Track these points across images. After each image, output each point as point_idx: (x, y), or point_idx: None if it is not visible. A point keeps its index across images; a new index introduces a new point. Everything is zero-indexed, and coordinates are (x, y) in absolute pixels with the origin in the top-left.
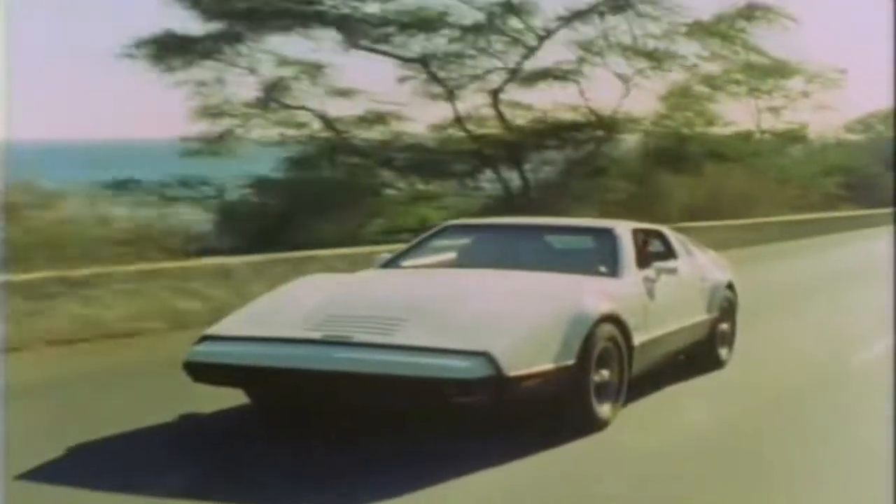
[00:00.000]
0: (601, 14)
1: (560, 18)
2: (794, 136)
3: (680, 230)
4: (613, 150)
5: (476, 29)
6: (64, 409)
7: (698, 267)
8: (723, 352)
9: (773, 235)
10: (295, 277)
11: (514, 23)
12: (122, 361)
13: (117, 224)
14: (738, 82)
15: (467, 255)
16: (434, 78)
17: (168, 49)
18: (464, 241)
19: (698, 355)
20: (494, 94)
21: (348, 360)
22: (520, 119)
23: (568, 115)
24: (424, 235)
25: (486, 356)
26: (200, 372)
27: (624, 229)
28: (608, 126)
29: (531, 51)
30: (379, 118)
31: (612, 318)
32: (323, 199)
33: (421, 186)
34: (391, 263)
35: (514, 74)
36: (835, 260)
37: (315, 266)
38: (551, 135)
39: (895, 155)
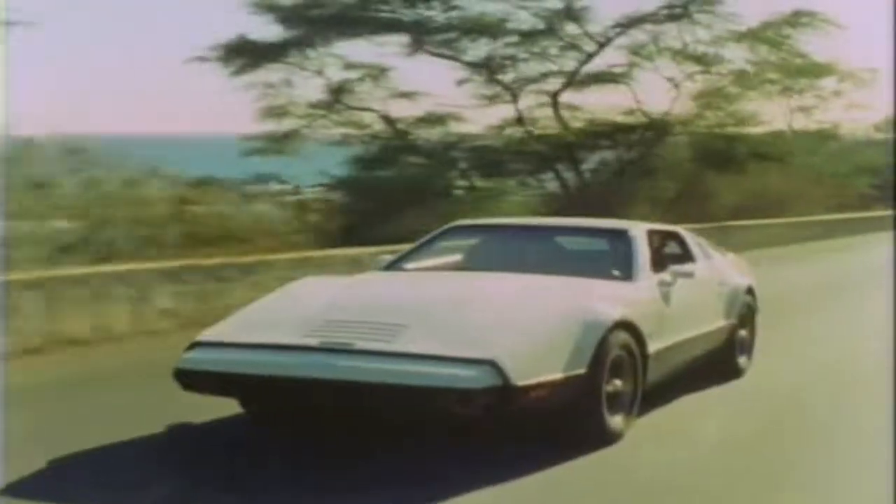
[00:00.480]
0: (659, 21)
1: (619, 25)
2: (826, 136)
3: (725, 228)
4: (663, 151)
5: (534, 34)
6: None
7: (717, 270)
8: (742, 360)
9: (815, 234)
10: None
11: (572, 28)
12: None
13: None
14: (771, 81)
15: (474, 258)
16: (496, 81)
17: (240, 53)
18: (470, 242)
19: (716, 364)
20: (554, 96)
21: (348, 369)
22: (572, 121)
23: (619, 117)
24: (429, 236)
25: (491, 364)
26: (191, 380)
27: (639, 230)
28: (659, 128)
29: (590, 56)
30: (439, 119)
31: (626, 325)
32: (398, 196)
33: (479, 184)
34: (394, 265)
35: (573, 77)
36: (876, 257)
37: None
38: (605, 136)
39: (895, 155)
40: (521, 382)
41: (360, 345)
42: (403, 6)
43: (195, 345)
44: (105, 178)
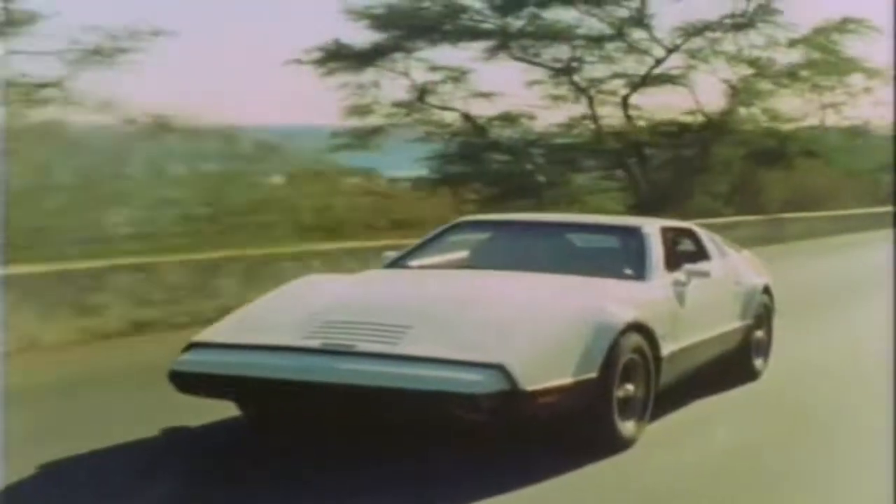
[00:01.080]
0: (724, 29)
1: (686, 33)
2: (855, 133)
3: (778, 220)
4: (719, 149)
5: (602, 39)
6: None
7: (732, 269)
8: (758, 362)
9: (853, 226)
10: None
11: (639, 34)
12: None
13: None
14: (804, 79)
15: (481, 255)
16: (572, 83)
17: (334, 56)
18: (478, 238)
19: (731, 366)
20: (625, 98)
21: (350, 372)
22: (636, 120)
23: (679, 117)
24: (434, 232)
25: (499, 369)
26: (187, 383)
27: (652, 228)
28: (715, 127)
29: (658, 62)
30: (514, 118)
31: (639, 327)
32: (512, 186)
33: (563, 179)
34: (397, 263)
35: (644, 80)
36: None
37: None
38: (670, 135)
39: (895, 155)
40: (529, 387)
41: (363, 347)
42: (485, 15)
43: (191, 346)
44: (298, 170)
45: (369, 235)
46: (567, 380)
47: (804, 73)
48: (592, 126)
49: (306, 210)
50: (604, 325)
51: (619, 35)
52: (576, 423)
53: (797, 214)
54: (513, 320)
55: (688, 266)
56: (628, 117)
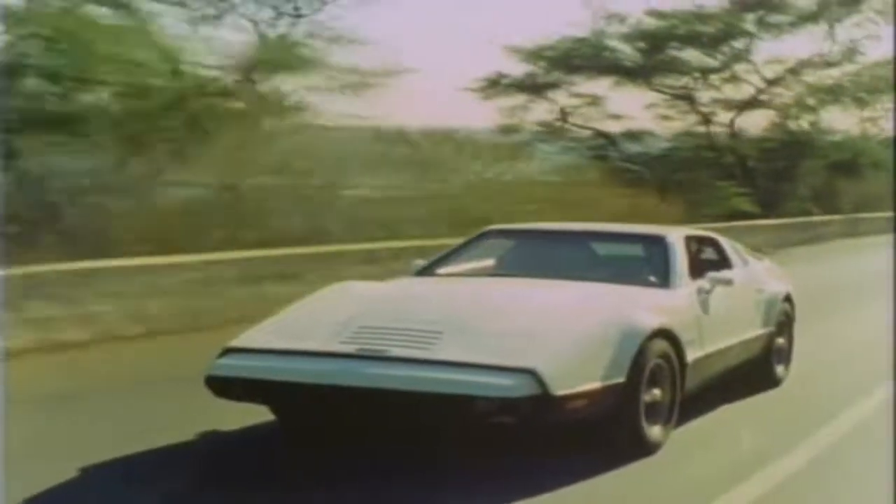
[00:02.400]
0: (820, 67)
1: (789, 70)
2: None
3: (855, 220)
4: (804, 161)
5: (711, 71)
6: None
7: (754, 277)
8: (779, 369)
9: None
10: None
11: (742, 67)
12: None
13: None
14: (848, 94)
15: (508, 263)
16: (692, 107)
17: (494, 84)
18: (504, 247)
19: (753, 373)
20: (731, 120)
21: (384, 377)
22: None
23: (770, 134)
24: (463, 241)
25: (531, 373)
26: (223, 387)
27: (676, 236)
28: (802, 143)
29: (760, 91)
30: (637, 134)
31: (665, 333)
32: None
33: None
34: (426, 271)
35: (746, 105)
36: None
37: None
38: (768, 150)
39: (895, 158)
40: (560, 392)
41: (396, 352)
42: (626, 55)
43: (227, 351)
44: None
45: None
46: (596, 384)
47: (858, 92)
48: (706, 142)
49: (583, 205)
50: (631, 331)
51: (726, 68)
52: (604, 427)
53: (866, 215)
54: (542, 326)
55: (711, 274)
56: (734, 135)
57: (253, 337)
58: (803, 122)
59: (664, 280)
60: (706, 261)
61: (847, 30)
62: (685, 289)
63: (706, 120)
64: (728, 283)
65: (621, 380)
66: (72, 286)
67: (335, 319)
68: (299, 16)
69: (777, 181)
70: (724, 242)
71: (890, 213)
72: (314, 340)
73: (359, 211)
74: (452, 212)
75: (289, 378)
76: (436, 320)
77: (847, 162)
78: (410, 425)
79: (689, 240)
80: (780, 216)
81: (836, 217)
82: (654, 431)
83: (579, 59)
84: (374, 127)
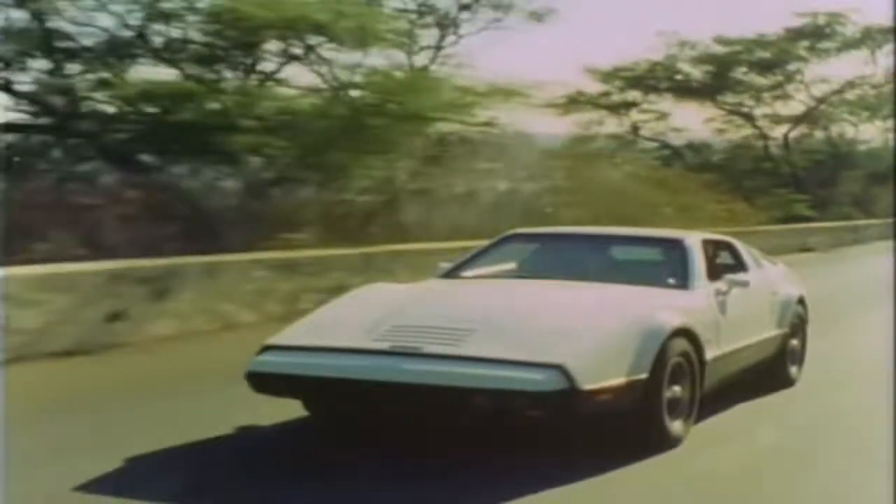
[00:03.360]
0: (864, 86)
1: (835, 91)
2: None
3: (890, 224)
4: (845, 170)
5: (764, 90)
6: None
7: (768, 280)
8: (793, 370)
9: None
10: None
11: (794, 87)
12: None
13: None
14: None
15: (532, 266)
16: (751, 122)
17: (574, 101)
18: (527, 250)
19: (768, 373)
20: (785, 134)
21: (418, 372)
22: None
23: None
24: (486, 245)
25: (560, 369)
26: (263, 383)
27: (694, 240)
28: (844, 154)
29: (809, 108)
30: (697, 146)
31: (685, 332)
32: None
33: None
34: (452, 273)
35: (799, 120)
36: None
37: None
38: (817, 161)
39: (895, 160)
40: (587, 386)
41: (429, 349)
42: (696, 79)
43: (266, 348)
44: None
45: None
46: (621, 380)
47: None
48: (762, 153)
49: (691, 209)
50: (653, 330)
51: (780, 87)
52: (628, 422)
53: None
54: (570, 325)
55: (728, 276)
56: (787, 147)
57: (290, 334)
58: (845, 136)
59: (683, 282)
60: (722, 264)
61: (886, 55)
62: (703, 290)
63: (763, 134)
64: (744, 285)
65: (644, 376)
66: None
67: (368, 318)
68: (439, 48)
69: (823, 188)
70: (740, 246)
71: None
72: (349, 338)
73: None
74: (608, 212)
75: (326, 374)
76: (466, 319)
77: (883, 171)
78: (443, 419)
79: (706, 243)
80: (828, 220)
81: (874, 221)
82: (676, 426)
83: (653, 80)
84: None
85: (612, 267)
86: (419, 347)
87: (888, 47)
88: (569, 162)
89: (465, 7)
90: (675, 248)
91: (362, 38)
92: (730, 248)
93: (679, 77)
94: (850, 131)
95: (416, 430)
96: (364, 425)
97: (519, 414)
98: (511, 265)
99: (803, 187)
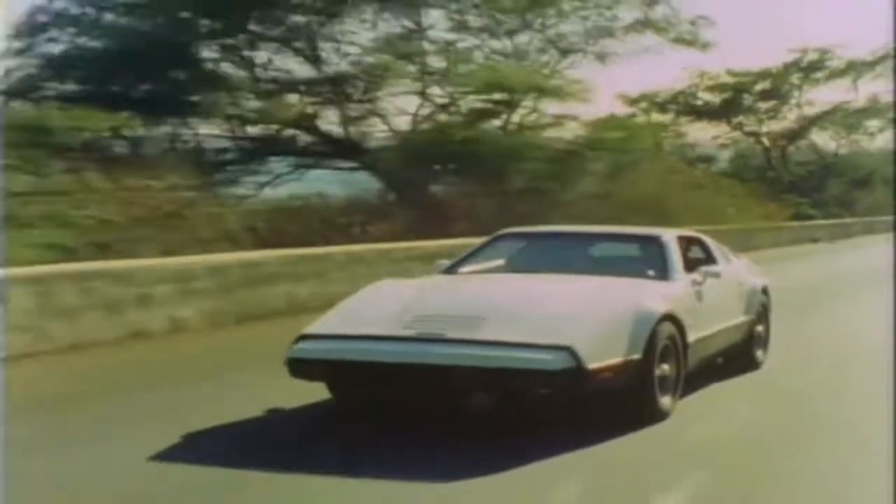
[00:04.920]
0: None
1: (825, 112)
2: None
3: (871, 222)
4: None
5: (768, 111)
6: None
7: (736, 272)
8: (759, 353)
9: None
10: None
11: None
12: None
13: None
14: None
15: (525, 261)
16: (757, 139)
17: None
18: (519, 248)
19: (736, 356)
20: (783, 147)
21: (444, 355)
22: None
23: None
24: (480, 243)
25: (568, 350)
26: (302, 368)
27: (670, 236)
28: (831, 164)
29: (802, 127)
30: (705, 158)
31: (670, 318)
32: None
33: None
34: (452, 269)
35: (795, 136)
36: None
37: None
38: (807, 169)
39: (895, 158)
40: (591, 365)
41: (450, 334)
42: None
43: (302, 337)
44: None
45: None
46: (619, 359)
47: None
48: (765, 164)
49: (738, 207)
50: (645, 316)
51: (779, 109)
52: (625, 398)
53: (880, 218)
54: (572, 311)
55: (703, 268)
56: (784, 158)
57: (322, 325)
58: (830, 149)
59: (663, 273)
60: (694, 258)
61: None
62: (682, 281)
63: (766, 148)
64: (717, 276)
65: (638, 356)
66: None
67: (391, 310)
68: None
69: (816, 193)
70: (709, 241)
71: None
72: (378, 327)
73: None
74: (692, 208)
75: (362, 358)
76: (479, 308)
77: (861, 178)
78: (464, 396)
79: (681, 239)
80: (823, 219)
81: (857, 219)
82: (665, 401)
83: (676, 105)
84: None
85: (599, 261)
86: (442, 333)
87: (867, 76)
88: (650, 172)
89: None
90: (654, 244)
91: (563, 97)
92: (700, 243)
93: (698, 102)
94: (832, 145)
95: (437, 411)
96: (387, 406)
97: (532, 391)
98: (498, 262)
99: (801, 192)
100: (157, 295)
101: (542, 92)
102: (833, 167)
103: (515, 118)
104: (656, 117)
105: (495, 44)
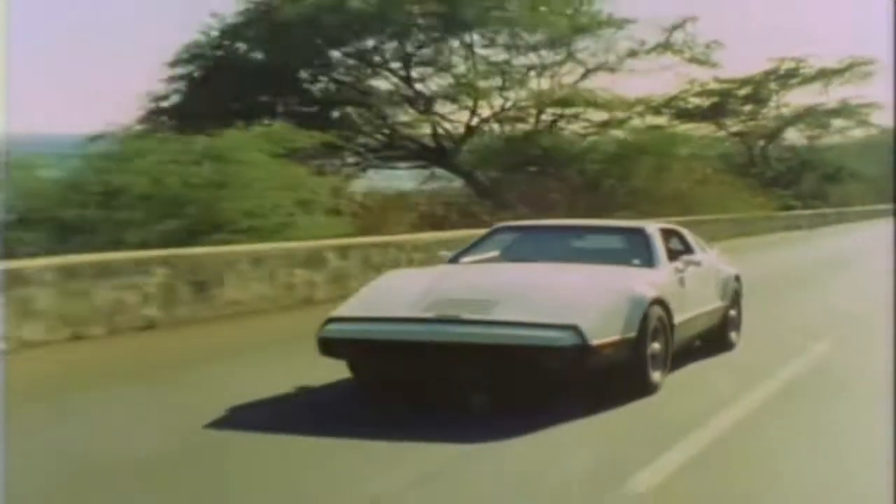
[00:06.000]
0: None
1: (798, 114)
2: None
3: (842, 213)
4: (806, 172)
5: (749, 114)
6: None
7: (711, 261)
8: (733, 335)
9: None
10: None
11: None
12: None
13: None
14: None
15: (523, 251)
16: (743, 139)
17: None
18: (515, 240)
19: (713, 338)
20: (763, 146)
21: (462, 334)
22: None
23: None
24: (480, 236)
25: (574, 329)
26: (332, 347)
27: (653, 228)
28: (805, 160)
29: (779, 127)
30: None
31: (659, 301)
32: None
33: None
34: (454, 259)
35: (774, 135)
36: None
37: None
38: (786, 165)
39: (895, 155)
40: (595, 342)
41: (467, 316)
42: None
43: (330, 320)
44: None
45: None
46: (617, 337)
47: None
48: (748, 160)
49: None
50: (638, 299)
51: (759, 112)
52: (619, 373)
53: (849, 209)
54: (573, 294)
55: (685, 257)
56: (765, 156)
57: (348, 309)
58: (804, 147)
59: (649, 262)
60: (674, 249)
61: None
62: (666, 269)
63: (749, 146)
64: (698, 264)
65: (634, 334)
66: None
67: (409, 295)
68: None
69: (794, 186)
70: (686, 233)
71: (862, 208)
72: (402, 310)
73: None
74: (707, 198)
75: (389, 337)
76: (491, 292)
77: (831, 173)
78: (481, 372)
79: (662, 231)
80: (800, 209)
81: (832, 210)
82: (656, 376)
83: (668, 108)
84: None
85: (589, 252)
86: (458, 315)
87: (837, 81)
88: (677, 171)
89: None
90: (639, 235)
91: (611, 109)
92: (678, 235)
93: (689, 106)
94: (805, 143)
95: (453, 388)
96: (404, 384)
97: (543, 366)
98: (506, 251)
99: (782, 186)
100: None
101: (595, 105)
102: (807, 163)
103: (575, 126)
104: (650, 120)
105: (521, 59)
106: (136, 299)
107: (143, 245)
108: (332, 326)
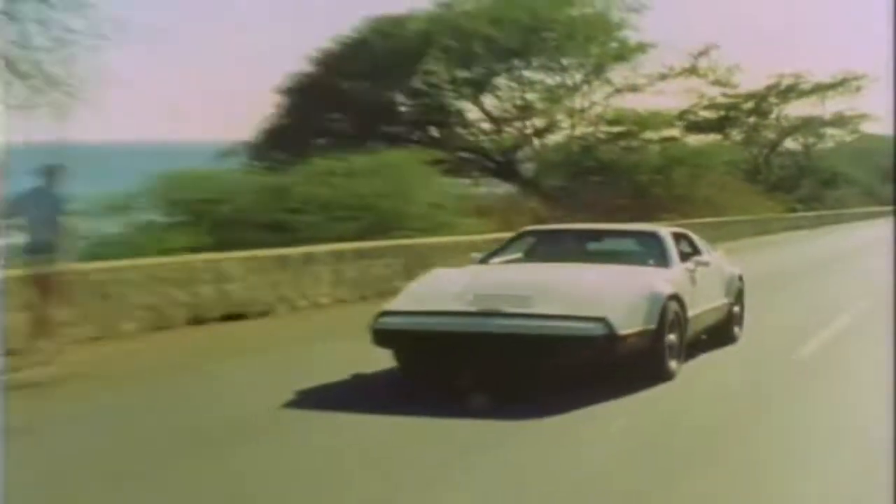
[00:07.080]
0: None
1: (797, 125)
2: None
3: (838, 214)
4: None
5: (754, 126)
6: None
7: (717, 261)
8: (736, 329)
9: None
10: None
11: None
12: None
13: None
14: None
15: (550, 252)
16: (746, 147)
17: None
18: (541, 242)
19: (718, 332)
20: (766, 154)
21: (504, 325)
22: None
23: None
24: (508, 239)
25: (603, 321)
26: (386, 338)
27: (666, 231)
28: (804, 166)
29: (779, 137)
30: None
31: (675, 297)
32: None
33: None
34: (484, 260)
35: (775, 144)
36: None
37: None
38: (786, 172)
39: (895, 156)
40: (621, 332)
41: (507, 309)
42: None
43: (384, 313)
44: None
45: None
46: (640, 328)
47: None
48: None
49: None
50: (657, 294)
51: (762, 123)
52: (641, 361)
53: (844, 211)
54: (600, 290)
55: (696, 257)
56: (768, 163)
57: (399, 303)
58: (803, 154)
59: (664, 262)
60: (683, 251)
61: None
62: (679, 268)
63: (754, 155)
64: (707, 265)
65: (654, 326)
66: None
67: (452, 291)
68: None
69: (794, 191)
70: (694, 237)
71: (856, 210)
72: (448, 304)
73: None
74: (726, 201)
75: (437, 328)
76: (527, 288)
77: (826, 179)
78: (521, 360)
79: (673, 234)
80: (803, 211)
81: (829, 212)
82: (672, 364)
83: (681, 121)
84: None
85: (609, 252)
86: (499, 309)
87: (831, 94)
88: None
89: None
90: (653, 238)
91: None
92: (687, 238)
93: (699, 119)
94: (803, 152)
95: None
96: (446, 374)
97: (576, 354)
98: (532, 252)
99: (784, 190)
100: None
101: (640, 124)
102: (805, 169)
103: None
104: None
105: (549, 80)
106: (388, 273)
107: (339, 240)
108: (386, 319)
